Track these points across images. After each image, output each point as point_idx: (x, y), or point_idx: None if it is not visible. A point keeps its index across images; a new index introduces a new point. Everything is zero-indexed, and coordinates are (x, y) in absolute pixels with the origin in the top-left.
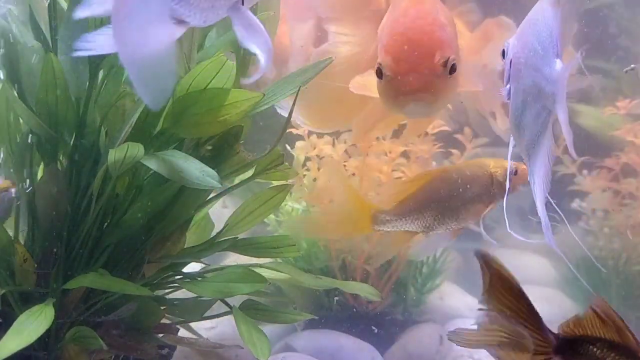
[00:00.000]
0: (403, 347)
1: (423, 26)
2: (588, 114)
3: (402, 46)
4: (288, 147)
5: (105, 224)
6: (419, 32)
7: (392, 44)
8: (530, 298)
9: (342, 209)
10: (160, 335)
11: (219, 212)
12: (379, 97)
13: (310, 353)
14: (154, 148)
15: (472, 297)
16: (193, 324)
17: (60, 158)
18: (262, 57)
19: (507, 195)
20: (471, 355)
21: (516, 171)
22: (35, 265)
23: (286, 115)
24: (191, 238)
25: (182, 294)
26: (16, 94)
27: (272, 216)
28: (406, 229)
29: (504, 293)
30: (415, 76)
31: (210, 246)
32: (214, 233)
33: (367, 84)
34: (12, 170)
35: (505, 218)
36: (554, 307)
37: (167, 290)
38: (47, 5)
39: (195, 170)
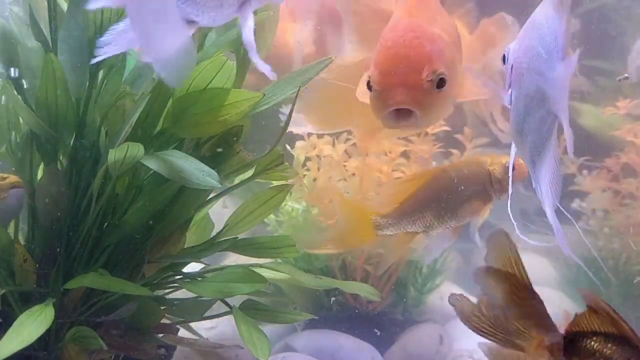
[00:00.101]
0: (403, 347)
1: (411, 40)
2: (588, 114)
3: (389, 60)
4: (288, 147)
5: (105, 224)
6: (406, 46)
7: (381, 57)
8: None
9: (343, 222)
10: (160, 335)
11: (219, 212)
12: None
13: (310, 353)
14: (154, 148)
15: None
16: (193, 324)
17: (60, 158)
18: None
19: (510, 193)
20: (471, 355)
21: (514, 167)
22: (36, 265)
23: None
24: (191, 238)
25: (182, 294)
26: (16, 94)
27: (272, 216)
28: (407, 230)
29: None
30: (401, 91)
31: (210, 246)
32: (214, 233)
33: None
34: (13, 169)
35: (512, 219)
36: (554, 307)
37: (167, 290)
38: (47, 5)
39: (195, 170)
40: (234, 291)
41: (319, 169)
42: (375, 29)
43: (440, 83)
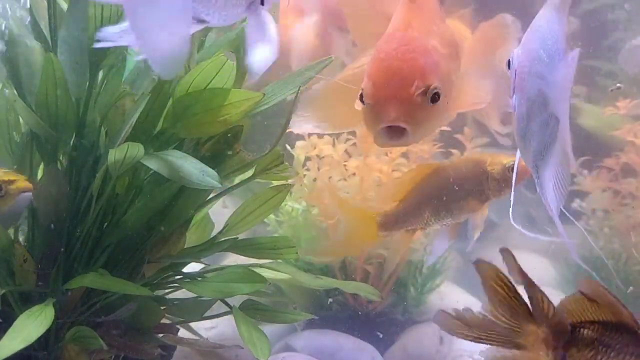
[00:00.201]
0: (403, 347)
1: (405, 53)
2: (588, 113)
3: (381, 74)
4: (288, 147)
5: (105, 224)
6: (399, 60)
7: (373, 70)
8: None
9: (346, 227)
10: (160, 335)
11: (219, 212)
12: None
13: (310, 353)
14: (154, 148)
15: (472, 296)
16: (193, 324)
17: (60, 158)
18: (255, 63)
19: (512, 192)
20: (471, 355)
21: (513, 168)
22: (36, 265)
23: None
24: (191, 238)
25: (182, 294)
26: (16, 94)
27: (272, 216)
28: (407, 227)
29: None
30: (394, 107)
31: (210, 246)
32: (214, 233)
33: None
34: (15, 167)
35: (512, 220)
36: None
37: (167, 290)
38: (46, 5)
39: (195, 170)
40: (234, 291)
41: (319, 169)
42: (378, 30)
43: (434, 97)
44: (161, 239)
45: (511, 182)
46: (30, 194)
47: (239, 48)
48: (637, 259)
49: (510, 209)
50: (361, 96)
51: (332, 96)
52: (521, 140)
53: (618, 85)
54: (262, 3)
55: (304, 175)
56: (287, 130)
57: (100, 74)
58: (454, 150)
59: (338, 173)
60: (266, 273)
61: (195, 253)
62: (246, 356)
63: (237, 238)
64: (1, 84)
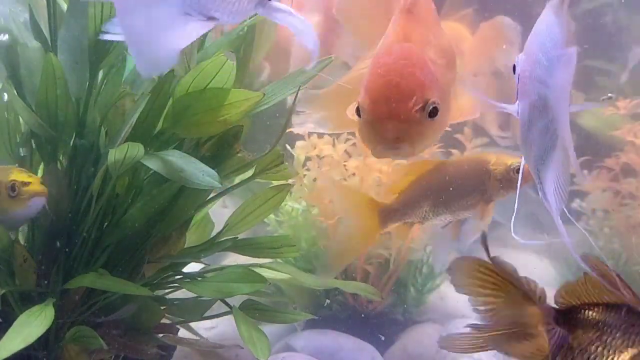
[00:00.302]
0: (403, 347)
1: (403, 68)
2: (588, 113)
3: (379, 89)
4: (288, 147)
5: (105, 224)
6: (397, 75)
7: (371, 85)
8: None
9: (351, 219)
10: (160, 335)
11: (219, 212)
12: (359, 135)
13: (310, 353)
14: (154, 148)
15: None
16: (193, 324)
17: (60, 158)
18: (307, 42)
19: (517, 195)
20: (471, 355)
21: (518, 169)
22: (35, 266)
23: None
24: (191, 238)
25: (182, 294)
26: (16, 94)
27: (272, 216)
28: (406, 220)
29: (489, 279)
30: (393, 124)
31: (210, 246)
32: (214, 233)
33: None
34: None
35: (512, 220)
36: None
37: (167, 290)
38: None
39: (195, 170)
40: (234, 291)
41: (319, 169)
42: (379, 29)
43: (433, 112)
44: (161, 239)
45: (513, 183)
46: (45, 200)
47: (239, 48)
48: (637, 259)
49: (513, 216)
50: (357, 109)
51: (336, 97)
52: (524, 145)
53: (609, 95)
54: None
55: (304, 175)
56: (287, 130)
57: (100, 74)
58: (454, 150)
59: (338, 173)
60: (266, 273)
61: (195, 253)
62: (246, 356)
63: (237, 238)
64: (1, 84)
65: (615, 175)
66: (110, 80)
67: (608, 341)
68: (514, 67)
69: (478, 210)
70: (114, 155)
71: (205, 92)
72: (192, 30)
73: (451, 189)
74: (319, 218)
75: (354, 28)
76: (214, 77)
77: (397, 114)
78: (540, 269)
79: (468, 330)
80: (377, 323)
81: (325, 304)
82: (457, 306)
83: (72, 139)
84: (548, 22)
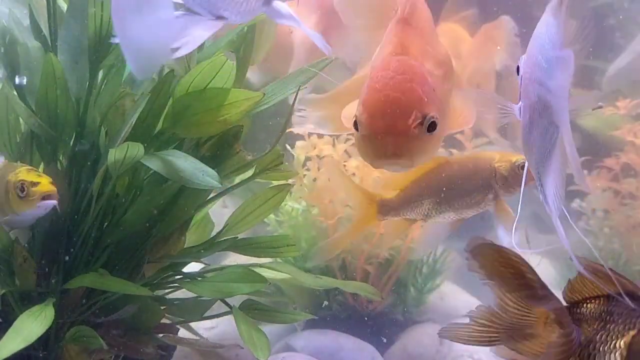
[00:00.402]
0: (403, 347)
1: (401, 83)
2: (588, 113)
3: (378, 104)
4: (288, 147)
5: (105, 224)
6: (396, 90)
7: (369, 100)
8: None
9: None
10: (160, 335)
11: (219, 212)
12: (357, 148)
13: (310, 353)
14: (154, 148)
15: (472, 296)
16: (193, 324)
17: (60, 158)
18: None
19: (521, 195)
20: (471, 355)
21: (523, 166)
22: (35, 265)
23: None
24: (191, 238)
25: (182, 294)
26: (16, 94)
27: (272, 216)
28: (407, 216)
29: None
30: (389, 138)
31: (210, 246)
32: (214, 233)
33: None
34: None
35: (514, 223)
36: None
37: (167, 290)
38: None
39: (195, 170)
40: (234, 291)
41: (319, 169)
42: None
43: (431, 127)
44: (161, 239)
45: (519, 180)
46: (55, 202)
47: (239, 48)
48: (637, 259)
49: (516, 218)
50: (355, 123)
51: (338, 99)
52: (525, 147)
53: (600, 104)
54: None
55: (304, 175)
56: (287, 130)
57: (100, 74)
58: (453, 150)
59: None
60: (266, 273)
61: (195, 253)
62: (246, 356)
63: (237, 238)
64: (1, 84)
65: (615, 175)
66: (110, 80)
67: (611, 328)
68: (518, 68)
69: (495, 213)
70: (114, 155)
71: (205, 92)
72: (202, 29)
73: (455, 186)
74: (319, 218)
75: (355, 23)
76: (214, 77)
77: (395, 130)
78: (540, 269)
79: (475, 310)
80: (377, 323)
81: (325, 304)
82: (457, 306)
83: (72, 139)
84: (547, 24)
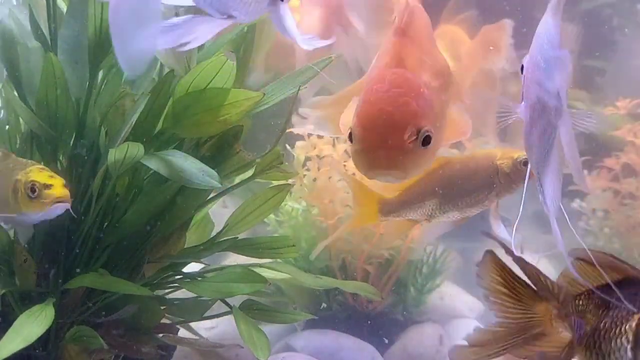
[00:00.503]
0: (403, 347)
1: (397, 97)
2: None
3: (372, 118)
4: (288, 147)
5: (105, 224)
6: (391, 105)
7: (363, 114)
8: None
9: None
10: (160, 335)
11: (219, 212)
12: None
13: (310, 353)
14: (154, 148)
15: (472, 297)
16: (193, 324)
17: (60, 158)
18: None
19: (524, 193)
20: None
21: (525, 162)
22: (36, 266)
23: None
24: (191, 238)
25: (182, 294)
26: (16, 94)
27: (272, 216)
28: (409, 216)
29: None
30: (383, 152)
31: (210, 246)
32: (214, 233)
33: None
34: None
35: (515, 224)
36: None
37: (167, 290)
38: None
39: (195, 170)
40: (234, 291)
41: (319, 169)
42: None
43: (426, 140)
44: (161, 239)
45: (522, 176)
46: (68, 205)
47: (239, 48)
48: (637, 259)
49: (518, 218)
50: (350, 135)
51: (340, 102)
52: (526, 147)
53: (590, 113)
54: None
55: (304, 175)
56: (287, 130)
57: (100, 74)
58: (453, 150)
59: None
60: (266, 273)
61: (195, 253)
62: (246, 356)
63: (237, 238)
64: (1, 84)
65: (615, 175)
66: (110, 80)
67: (615, 314)
68: (522, 68)
69: (493, 212)
70: (114, 155)
71: (205, 92)
72: (210, 27)
73: (458, 186)
74: (319, 218)
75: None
76: (214, 77)
77: (389, 144)
78: (540, 268)
79: (473, 333)
80: (377, 323)
81: (325, 304)
82: (456, 306)
83: (72, 139)
84: (547, 25)
